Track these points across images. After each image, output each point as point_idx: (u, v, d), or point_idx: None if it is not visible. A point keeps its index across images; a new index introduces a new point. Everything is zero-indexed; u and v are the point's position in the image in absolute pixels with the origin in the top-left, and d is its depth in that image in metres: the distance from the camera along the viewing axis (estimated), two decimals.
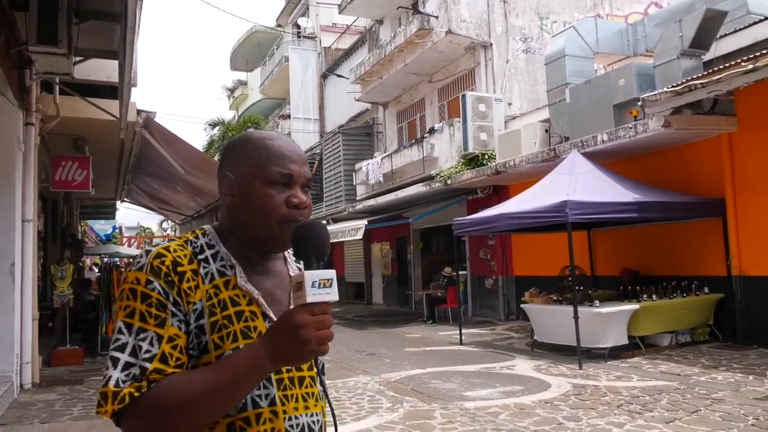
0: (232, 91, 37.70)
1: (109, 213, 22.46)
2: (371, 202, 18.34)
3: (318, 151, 23.18)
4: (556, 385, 7.34)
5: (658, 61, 9.77)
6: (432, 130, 16.10)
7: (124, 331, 1.18)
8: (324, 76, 25.63)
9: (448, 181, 14.50)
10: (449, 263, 15.80)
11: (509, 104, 15.32)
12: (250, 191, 1.29)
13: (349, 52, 23.20)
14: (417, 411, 6.38)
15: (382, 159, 18.12)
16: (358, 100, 20.72)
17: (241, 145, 1.36)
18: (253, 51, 32.83)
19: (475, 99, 14.56)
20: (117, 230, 35.85)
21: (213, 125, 20.29)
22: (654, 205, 9.15)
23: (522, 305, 10.91)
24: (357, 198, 20.15)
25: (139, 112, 9.38)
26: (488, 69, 15.56)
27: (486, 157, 14.22)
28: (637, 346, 9.12)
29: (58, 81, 8.48)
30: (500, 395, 6.96)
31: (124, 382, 1.14)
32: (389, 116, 20.82)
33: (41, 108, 8.73)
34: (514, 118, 14.73)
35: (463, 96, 14.72)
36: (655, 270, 10.49)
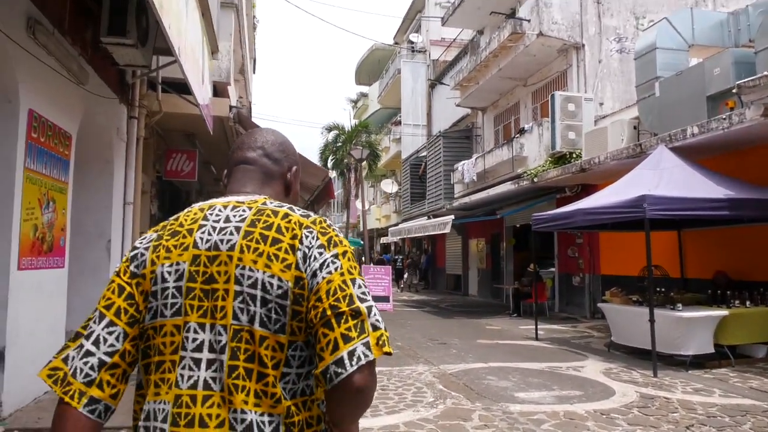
0: (355, 102, 37.80)
1: None
2: (465, 199, 17.13)
3: (423, 154, 22.29)
4: (621, 393, 5.89)
5: (761, 45, 7.82)
6: (522, 131, 14.62)
7: (364, 283, 1.13)
8: (431, 86, 24.66)
9: (535, 179, 13.00)
10: (535, 260, 14.29)
11: (601, 104, 13.49)
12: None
13: (453, 63, 22.03)
14: (457, 409, 5.27)
15: (476, 159, 16.85)
16: (458, 105, 19.53)
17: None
18: (373, 66, 32.57)
19: (564, 99, 12.93)
20: None
21: (329, 129, 20.02)
22: (749, 203, 7.28)
23: (599, 304, 9.32)
24: (455, 196, 19.02)
25: (231, 107, 8.97)
26: (580, 70, 13.81)
27: (573, 155, 12.57)
28: (725, 356, 7.33)
29: (161, 81, 8.27)
30: (553, 400, 5.65)
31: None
32: (487, 120, 19.44)
33: (146, 104, 8.54)
34: (603, 117, 12.93)
35: (552, 96, 13.14)
36: (751, 274, 8.48)
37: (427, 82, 24.72)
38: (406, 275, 24.72)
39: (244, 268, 1.10)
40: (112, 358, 1.12)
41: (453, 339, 9.81)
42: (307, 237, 1.12)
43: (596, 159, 10.74)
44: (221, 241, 1.13)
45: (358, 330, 1.03)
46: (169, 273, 1.14)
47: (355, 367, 1.00)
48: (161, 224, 1.24)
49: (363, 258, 16.59)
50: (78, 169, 6.43)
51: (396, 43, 30.37)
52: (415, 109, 25.25)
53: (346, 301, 1.05)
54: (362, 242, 21.70)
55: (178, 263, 1.14)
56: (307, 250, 1.11)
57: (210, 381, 1.07)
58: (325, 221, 1.18)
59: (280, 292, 1.08)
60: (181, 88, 8.62)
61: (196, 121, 9.54)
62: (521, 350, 8.76)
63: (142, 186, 8.96)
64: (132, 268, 1.18)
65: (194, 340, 1.09)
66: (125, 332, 1.14)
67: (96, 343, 1.12)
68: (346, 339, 1.02)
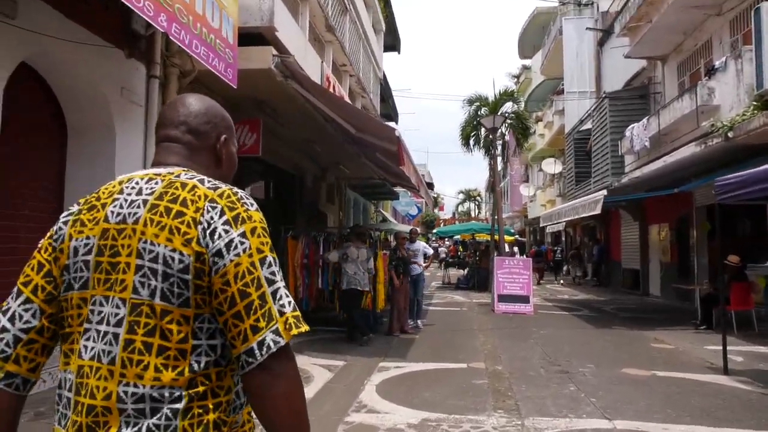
0: (517, 77, 33.91)
1: (388, 194, 21.27)
2: (636, 173, 13.19)
3: (589, 127, 18.34)
4: None
5: None
6: (711, 71, 10.42)
7: (275, 261, 1.09)
8: (600, 43, 20.33)
9: (730, 134, 8.93)
10: (738, 249, 10.10)
11: None
12: None
13: (624, 8, 17.67)
14: None
15: (648, 119, 12.80)
16: (627, 56, 15.37)
17: None
18: (537, 34, 28.59)
19: None
20: (421, 211, 35.43)
21: (470, 102, 17.26)
22: None
23: None
24: (625, 170, 15.01)
25: (273, 57, 6.99)
26: None
27: None
28: None
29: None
30: None
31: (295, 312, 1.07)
32: (668, 71, 14.95)
33: (177, 62, 6.97)
34: None
35: (757, 9, 8.90)
36: None
37: (595, 39, 20.43)
38: (565, 268, 20.89)
39: (146, 241, 1.06)
40: (28, 335, 1.13)
41: (587, 363, 6.66)
42: (209, 211, 1.07)
43: None
44: (129, 214, 1.10)
45: (266, 319, 1.03)
46: (81, 247, 1.12)
47: (265, 356, 1.00)
48: (84, 198, 1.21)
49: (517, 250, 13.59)
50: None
51: (561, 2, 26.16)
52: (581, 74, 21.09)
53: (254, 285, 1.04)
54: (513, 231, 18.56)
55: (88, 237, 1.12)
56: (207, 225, 1.06)
57: (101, 353, 1.05)
58: (235, 194, 1.12)
59: (181, 266, 1.04)
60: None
61: (261, 82, 7.81)
62: (693, 394, 5.38)
63: None
64: (52, 243, 1.17)
65: (99, 312, 1.08)
66: (41, 309, 1.14)
67: (12, 319, 1.13)
68: (255, 330, 1.02)
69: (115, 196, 1.13)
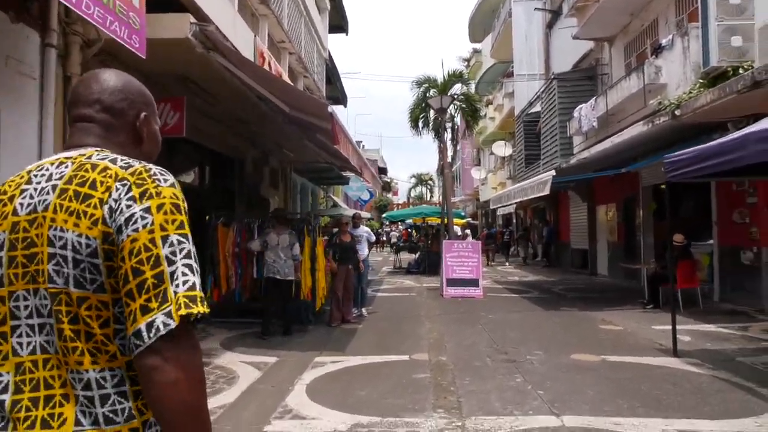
0: (468, 60, 33.65)
1: (337, 179, 20.56)
2: (584, 153, 13.00)
3: (538, 110, 18.16)
4: None
5: None
6: (658, 49, 10.25)
7: (184, 240, 1.00)
8: (549, 26, 20.14)
9: (677, 112, 8.74)
10: (683, 228, 10.03)
11: None
12: None
13: None
14: None
15: (595, 99, 12.62)
16: (575, 37, 15.15)
17: None
18: (487, 18, 28.32)
19: None
20: (373, 196, 34.85)
21: (419, 84, 16.75)
22: None
23: None
24: (573, 152, 14.90)
25: (191, 26, 6.24)
26: None
27: (741, 70, 8.14)
28: None
29: None
30: None
31: (201, 293, 0.99)
32: (615, 53, 14.81)
33: (80, 30, 6.12)
34: None
35: None
36: None
37: (544, 21, 20.23)
38: (513, 249, 20.92)
39: (56, 228, 1.01)
40: None
41: (535, 350, 6.30)
42: (117, 190, 1.01)
43: None
44: (39, 202, 1.05)
45: (160, 299, 0.95)
46: None
47: (153, 339, 0.92)
48: None
49: (447, 234, 13.24)
50: None
51: None
52: (531, 56, 20.89)
53: (151, 263, 0.96)
54: (464, 214, 18.27)
55: None
56: (113, 203, 1.00)
57: (45, 344, 1.02)
58: (148, 171, 1.04)
59: (89, 251, 0.98)
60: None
61: (179, 54, 7.03)
62: (643, 380, 5.08)
63: None
64: None
65: (26, 307, 1.04)
66: None
67: None
68: (145, 310, 0.94)
69: (23, 187, 1.08)
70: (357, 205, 33.12)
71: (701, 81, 8.78)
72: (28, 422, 0.98)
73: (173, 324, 0.92)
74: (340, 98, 21.05)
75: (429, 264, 16.76)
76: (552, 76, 16.47)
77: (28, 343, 1.01)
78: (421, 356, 6.08)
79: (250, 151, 12.82)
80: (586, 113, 12.83)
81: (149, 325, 0.92)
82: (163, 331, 0.92)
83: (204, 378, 0.99)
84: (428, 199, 50.34)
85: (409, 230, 28.79)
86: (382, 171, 60.74)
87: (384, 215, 25.34)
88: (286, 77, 11.26)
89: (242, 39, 8.45)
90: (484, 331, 7.60)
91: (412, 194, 53.38)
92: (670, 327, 6.97)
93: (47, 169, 1.07)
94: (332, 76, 18.19)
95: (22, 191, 1.06)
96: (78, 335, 0.98)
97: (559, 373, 5.36)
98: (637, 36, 13.58)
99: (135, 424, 0.98)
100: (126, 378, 0.99)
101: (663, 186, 13.48)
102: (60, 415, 0.97)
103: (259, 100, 8.20)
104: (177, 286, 0.95)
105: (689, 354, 6.06)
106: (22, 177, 1.10)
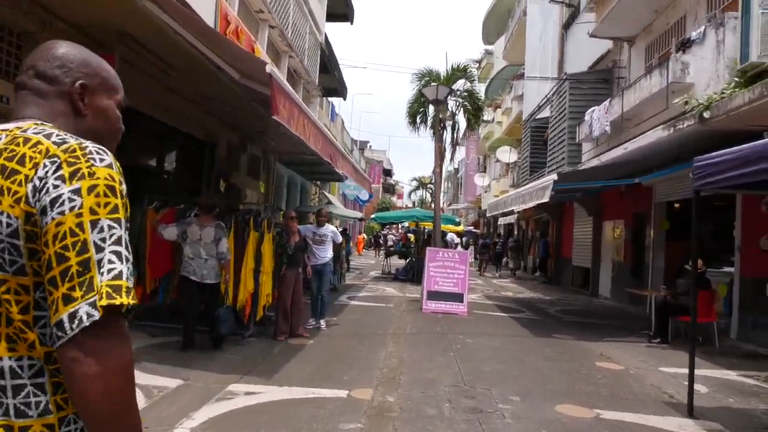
0: (479, 62, 32.17)
1: (330, 173, 19.14)
2: (594, 162, 11.59)
3: (547, 116, 16.72)
4: None
5: None
6: (685, 43, 8.82)
7: (115, 226, 0.92)
8: (566, 26, 18.71)
9: (705, 114, 7.31)
10: (702, 254, 8.58)
11: None
12: None
13: None
14: None
15: (610, 101, 11.20)
16: (592, 35, 13.71)
17: None
18: (501, 19, 26.93)
19: None
20: (372, 197, 33.44)
21: (420, 77, 15.38)
22: None
23: None
24: (582, 160, 13.48)
25: None
26: None
27: None
28: None
29: None
30: None
31: (129, 283, 0.91)
32: (636, 54, 13.37)
33: None
34: None
35: None
36: None
37: (560, 20, 18.78)
38: (504, 260, 19.59)
39: None
40: None
41: (511, 395, 4.89)
42: (45, 167, 0.93)
43: None
44: None
45: (84, 288, 0.87)
46: None
47: (76, 331, 0.86)
48: None
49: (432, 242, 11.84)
50: None
51: None
52: (544, 58, 19.46)
53: (77, 249, 0.88)
54: (458, 220, 16.84)
55: None
56: (38, 182, 0.92)
57: None
58: (83, 149, 0.95)
59: (9, 230, 0.91)
60: None
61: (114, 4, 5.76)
62: None
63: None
64: None
65: None
66: None
67: None
68: (68, 300, 0.87)
69: None
70: (356, 205, 31.78)
71: (736, 79, 7.35)
72: None
73: (97, 315, 0.86)
74: (338, 90, 19.70)
75: (417, 272, 15.38)
76: (564, 76, 15.02)
77: None
78: (363, 393, 4.69)
79: (225, 135, 11.50)
80: (599, 116, 11.41)
81: (72, 316, 0.86)
82: (86, 323, 0.85)
83: (132, 374, 0.91)
84: (429, 203, 48.89)
85: (408, 234, 27.42)
86: (388, 173, 59.39)
87: (372, 216, 23.94)
88: (263, 53, 9.93)
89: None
90: (454, 360, 6.18)
91: (413, 197, 51.98)
92: (681, 370, 5.63)
93: None
94: (329, 63, 16.83)
95: None
96: None
97: None
98: (661, 35, 12.12)
99: (50, 419, 0.92)
100: (45, 370, 0.92)
101: (677, 205, 12.09)
102: None
103: (218, 69, 6.87)
104: (102, 274, 0.88)
105: (708, 414, 4.66)
106: None
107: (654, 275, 11.89)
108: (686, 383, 4.82)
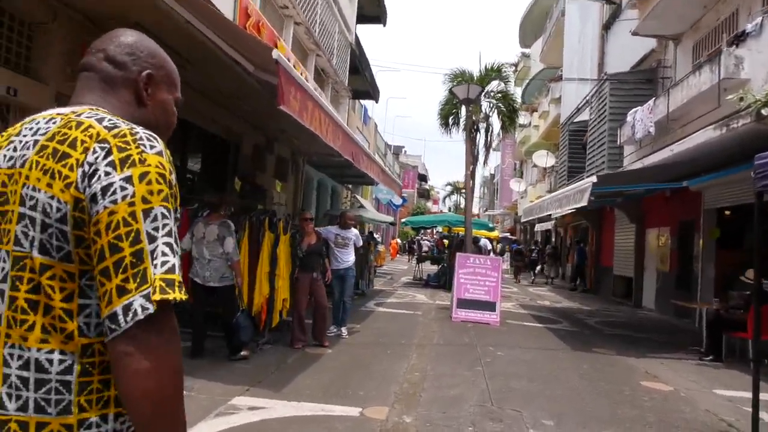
0: (515, 65, 31.40)
1: (360, 177, 18.79)
2: (637, 165, 10.90)
3: (586, 119, 16.01)
4: None
5: None
6: (740, 36, 8.12)
7: (167, 215, 0.90)
8: (606, 27, 17.93)
9: (764, 111, 6.63)
10: (758, 261, 7.81)
11: None
12: None
13: None
14: None
15: (654, 100, 10.50)
16: (635, 33, 12.98)
17: None
18: (539, 21, 26.22)
19: None
20: (406, 201, 33.06)
21: (452, 78, 14.92)
22: None
23: None
24: (623, 163, 12.76)
25: None
26: None
27: None
28: None
29: None
30: None
31: (180, 276, 0.89)
32: (682, 53, 12.58)
33: None
34: None
35: None
36: None
37: (600, 20, 18.02)
38: (539, 268, 18.89)
39: (29, 187, 0.92)
40: None
41: (544, 419, 4.38)
42: (95, 152, 0.90)
43: None
44: (19, 157, 0.96)
45: (138, 279, 0.85)
46: None
47: (130, 324, 0.83)
48: None
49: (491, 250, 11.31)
50: None
51: None
52: (582, 59, 18.71)
53: (130, 239, 0.86)
54: (492, 226, 16.25)
55: None
56: (88, 167, 0.89)
57: None
58: (134, 135, 0.93)
59: (59, 215, 0.89)
60: None
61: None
62: None
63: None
64: None
65: None
66: None
67: None
68: (122, 291, 0.84)
69: (12, 138, 1.00)
70: (388, 209, 31.41)
71: None
72: None
73: (152, 309, 0.83)
74: (370, 92, 19.37)
75: (449, 278, 14.86)
76: (604, 76, 14.30)
77: None
78: (377, 412, 4.26)
79: (250, 135, 11.30)
80: (642, 117, 10.71)
81: (126, 308, 0.83)
82: (141, 316, 0.83)
83: (181, 369, 0.88)
84: (463, 208, 48.14)
85: (443, 240, 26.87)
86: (423, 178, 58.84)
87: (403, 220, 23.48)
88: (288, 51, 9.67)
89: None
90: (482, 375, 5.68)
91: (447, 203, 51.22)
92: (738, 393, 5.02)
93: (37, 123, 0.99)
94: (360, 65, 16.52)
95: (9, 143, 0.98)
96: (35, 307, 0.89)
97: None
98: (710, 32, 11.34)
99: (69, 419, 0.87)
100: (77, 363, 0.88)
101: (727, 212, 11.24)
102: None
103: (236, 64, 6.60)
104: (156, 266, 0.85)
105: None
106: (15, 128, 1.02)
107: (703, 286, 11.06)
108: (747, 409, 4.23)
